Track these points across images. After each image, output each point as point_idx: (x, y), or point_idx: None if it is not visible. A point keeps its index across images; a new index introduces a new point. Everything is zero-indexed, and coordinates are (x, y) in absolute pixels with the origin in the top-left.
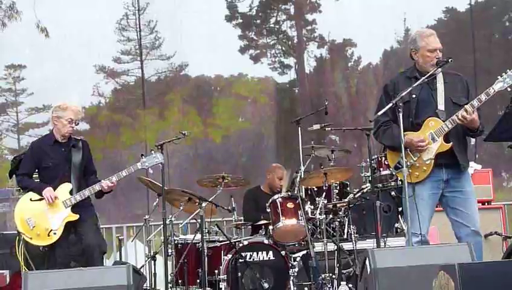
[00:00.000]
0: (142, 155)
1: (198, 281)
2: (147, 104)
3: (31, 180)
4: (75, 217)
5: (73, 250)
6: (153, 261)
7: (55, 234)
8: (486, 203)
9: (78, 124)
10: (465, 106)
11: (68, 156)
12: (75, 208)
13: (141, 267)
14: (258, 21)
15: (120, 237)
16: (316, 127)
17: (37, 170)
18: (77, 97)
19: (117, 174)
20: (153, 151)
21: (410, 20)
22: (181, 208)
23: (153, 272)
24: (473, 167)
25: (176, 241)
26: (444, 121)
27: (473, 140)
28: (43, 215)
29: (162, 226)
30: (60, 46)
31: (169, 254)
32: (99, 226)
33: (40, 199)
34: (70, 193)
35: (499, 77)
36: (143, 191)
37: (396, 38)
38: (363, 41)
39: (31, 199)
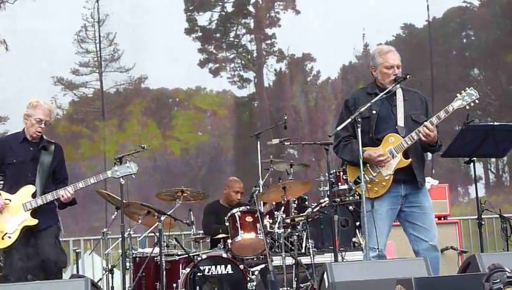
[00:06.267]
0: (115, 163)
1: None
2: (106, 116)
3: None
4: (34, 222)
5: (31, 264)
6: (110, 275)
7: (9, 237)
8: (442, 218)
9: (49, 124)
10: (425, 123)
11: (36, 157)
12: (36, 213)
13: (98, 280)
14: (218, 35)
15: (77, 250)
16: (275, 141)
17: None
18: None
19: (84, 181)
20: (127, 161)
21: (369, 36)
22: (139, 221)
23: (110, 285)
24: (430, 182)
25: (134, 255)
26: (403, 137)
27: (429, 156)
28: None
29: (120, 239)
30: (18, 57)
31: (127, 267)
32: (60, 236)
33: None
34: (33, 195)
35: (458, 94)
36: (101, 204)
37: (355, 54)
38: (322, 56)
39: None
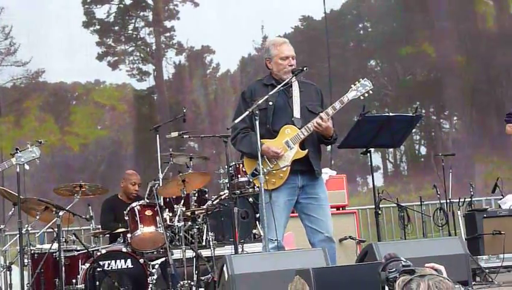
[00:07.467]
0: (17, 149)
1: None
2: (2, 111)
3: None
4: None
5: None
6: (8, 272)
7: None
8: (340, 209)
9: None
10: (320, 114)
11: None
12: None
13: None
14: (116, 28)
15: None
16: (174, 134)
17: None
18: None
19: None
20: (29, 145)
21: (268, 28)
22: (37, 217)
23: (8, 282)
24: (328, 173)
25: (32, 251)
26: (299, 129)
27: (328, 147)
28: None
29: (17, 235)
30: None
31: (26, 264)
32: None
33: None
34: None
35: (352, 85)
36: None
37: (254, 46)
38: (222, 48)
39: None
